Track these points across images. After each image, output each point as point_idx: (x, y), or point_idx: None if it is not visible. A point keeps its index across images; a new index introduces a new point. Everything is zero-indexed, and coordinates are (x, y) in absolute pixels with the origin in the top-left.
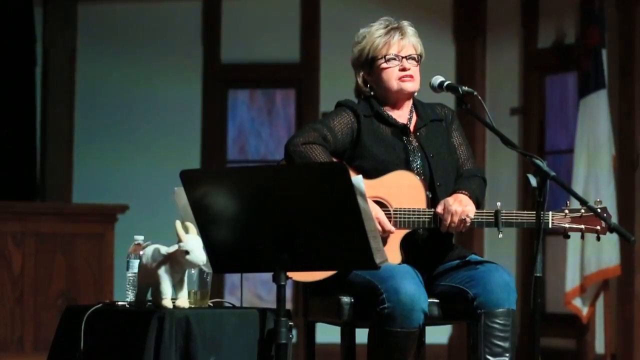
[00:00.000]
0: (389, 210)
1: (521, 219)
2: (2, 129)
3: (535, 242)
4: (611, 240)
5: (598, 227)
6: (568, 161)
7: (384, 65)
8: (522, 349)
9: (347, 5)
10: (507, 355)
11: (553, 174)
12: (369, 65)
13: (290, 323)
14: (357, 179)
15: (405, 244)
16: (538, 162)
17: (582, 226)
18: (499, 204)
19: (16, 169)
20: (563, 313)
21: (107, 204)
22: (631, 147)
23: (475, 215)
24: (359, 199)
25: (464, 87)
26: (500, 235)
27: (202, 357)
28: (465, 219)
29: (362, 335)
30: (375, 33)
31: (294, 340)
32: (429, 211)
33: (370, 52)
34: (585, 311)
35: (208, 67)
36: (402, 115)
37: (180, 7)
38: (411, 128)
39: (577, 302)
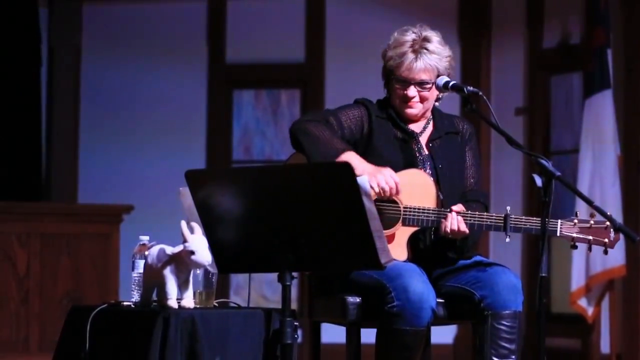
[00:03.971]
0: (399, 207)
1: (530, 225)
2: (8, 129)
3: (541, 243)
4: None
5: (606, 240)
6: (573, 161)
7: (395, 84)
8: (528, 348)
9: (352, 5)
10: (513, 357)
11: (558, 174)
12: (387, 74)
13: (295, 323)
14: (363, 179)
15: (412, 242)
16: (543, 162)
17: (590, 237)
18: (508, 208)
19: (21, 169)
20: (568, 313)
21: (113, 204)
22: (636, 147)
23: (484, 218)
24: (364, 199)
25: (469, 87)
26: (508, 239)
27: (208, 357)
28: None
29: (367, 336)
30: (399, 48)
31: (299, 340)
32: (438, 210)
33: (389, 65)
34: (590, 311)
35: (213, 67)
36: (417, 123)
37: (185, 7)
38: (425, 138)
39: (582, 302)
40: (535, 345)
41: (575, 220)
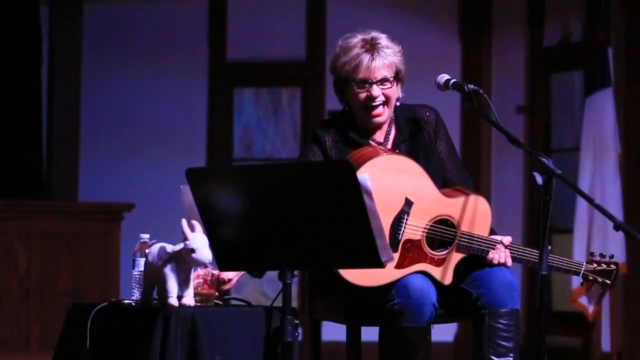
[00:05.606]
0: (456, 232)
1: (567, 266)
2: (9, 128)
3: (541, 241)
4: (617, 238)
5: (608, 282)
6: (574, 159)
7: (356, 89)
8: (529, 347)
9: (353, 3)
10: (512, 355)
11: (559, 172)
12: (344, 82)
13: (296, 321)
14: (363, 177)
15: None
16: (544, 160)
17: (600, 279)
18: (549, 247)
19: (22, 168)
20: (569, 311)
21: (113, 203)
22: (637, 145)
23: (527, 253)
24: (365, 197)
25: (470, 85)
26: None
27: (208, 355)
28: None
29: (367, 334)
30: (351, 51)
31: (299, 338)
32: (489, 240)
33: (344, 72)
34: (591, 309)
35: (214, 65)
36: (379, 132)
37: (186, 5)
38: (390, 144)
39: (583, 300)
40: (535, 344)
41: (595, 265)
